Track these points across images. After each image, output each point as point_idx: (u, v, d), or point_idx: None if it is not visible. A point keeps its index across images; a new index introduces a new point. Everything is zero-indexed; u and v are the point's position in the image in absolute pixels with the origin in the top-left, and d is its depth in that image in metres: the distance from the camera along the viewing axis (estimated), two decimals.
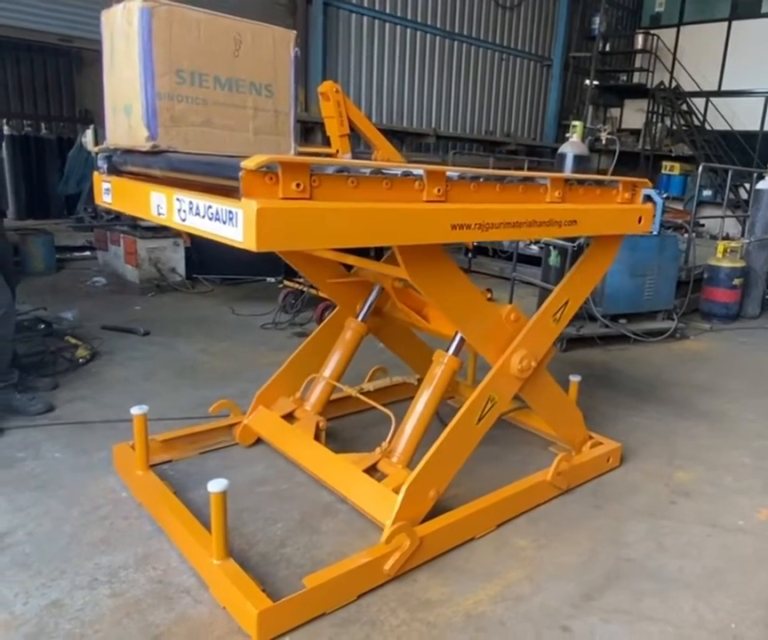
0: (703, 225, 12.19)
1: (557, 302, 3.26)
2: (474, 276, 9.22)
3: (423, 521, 2.80)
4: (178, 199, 2.30)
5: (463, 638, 2.40)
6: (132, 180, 2.75)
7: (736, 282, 7.34)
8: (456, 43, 14.15)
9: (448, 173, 2.44)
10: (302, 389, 3.67)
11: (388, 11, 12.77)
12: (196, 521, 2.78)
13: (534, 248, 8.19)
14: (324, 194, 2.09)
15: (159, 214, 2.42)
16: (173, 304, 7.03)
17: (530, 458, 3.77)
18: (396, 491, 2.76)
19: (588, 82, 15.74)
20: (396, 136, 12.25)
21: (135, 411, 3.12)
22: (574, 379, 3.83)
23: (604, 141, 6.83)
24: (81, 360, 4.90)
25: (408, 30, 13.18)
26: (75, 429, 3.85)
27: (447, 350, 3.17)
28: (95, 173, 2.97)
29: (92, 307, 6.57)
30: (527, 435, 4.05)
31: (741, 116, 15.90)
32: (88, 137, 12.54)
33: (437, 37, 13.73)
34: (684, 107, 16.71)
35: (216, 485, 2.40)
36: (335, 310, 3.83)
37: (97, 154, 2.93)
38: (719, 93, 16.42)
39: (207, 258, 7.62)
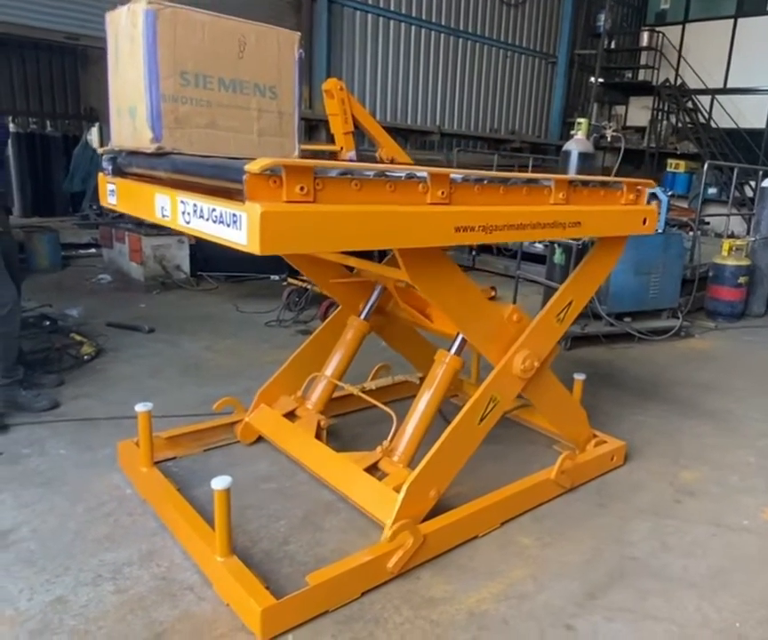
0: (708, 223, 12.15)
1: (561, 302, 3.26)
2: (478, 274, 9.22)
3: (424, 520, 2.80)
4: (182, 201, 2.30)
5: (466, 636, 2.40)
6: (137, 181, 2.76)
7: (741, 280, 7.32)
8: (461, 40, 14.13)
9: (452, 176, 2.44)
10: (304, 388, 3.67)
11: (392, 8, 12.75)
12: (200, 518, 2.79)
13: (539, 246, 8.17)
14: (327, 197, 2.09)
15: (163, 216, 2.43)
16: (178, 301, 7.05)
17: (534, 456, 3.77)
18: (397, 490, 2.76)
19: (593, 79, 15.67)
20: (401, 134, 12.23)
21: (140, 408, 3.13)
22: (579, 377, 3.82)
23: (609, 139, 6.80)
24: (86, 357, 4.91)
25: (413, 28, 13.16)
26: (79, 426, 3.87)
27: (449, 350, 3.16)
28: (100, 175, 2.98)
29: (97, 304, 6.59)
30: (531, 433, 4.05)
31: (747, 114, 15.84)
32: (93, 134, 12.59)
33: (442, 35, 13.71)
34: (690, 104, 16.67)
35: (220, 482, 2.41)
36: (338, 309, 3.83)
37: (102, 155, 2.94)
38: (725, 91, 16.36)
39: (212, 255, 7.63)
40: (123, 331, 5.71)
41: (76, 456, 3.54)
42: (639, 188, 3.23)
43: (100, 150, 3.04)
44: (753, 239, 7.77)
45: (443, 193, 2.38)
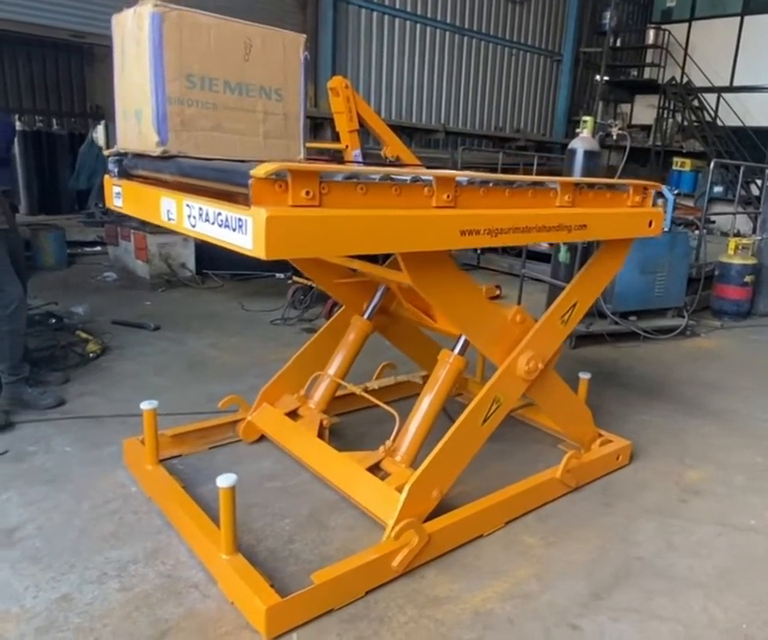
0: (714, 221, 12.10)
1: (566, 304, 3.25)
2: (483, 273, 9.22)
3: (429, 519, 2.80)
4: (188, 205, 2.30)
5: (471, 636, 2.40)
6: (143, 184, 2.77)
7: (747, 279, 7.29)
8: (466, 38, 14.10)
9: (457, 179, 2.43)
10: (307, 387, 3.67)
11: (397, 6, 12.73)
12: (205, 516, 2.80)
13: (544, 245, 8.16)
14: (333, 201, 2.09)
15: (169, 220, 2.43)
16: (183, 299, 7.06)
17: (539, 455, 3.76)
18: (399, 490, 2.76)
19: (598, 77, 15.64)
20: (405, 132, 12.22)
21: (145, 406, 3.14)
22: (584, 376, 3.82)
23: (614, 137, 6.78)
24: (91, 355, 4.93)
25: (418, 26, 13.14)
26: (85, 424, 3.88)
27: (453, 350, 3.16)
28: (106, 177, 2.99)
29: (103, 301, 6.61)
30: (536, 432, 4.04)
31: (753, 112, 15.76)
32: (99, 132, 12.63)
33: (447, 33, 13.69)
34: (696, 102, 16.59)
35: (225, 480, 2.41)
36: (342, 308, 3.83)
37: (108, 157, 2.95)
38: (731, 89, 16.29)
39: (217, 253, 7.58)
40: (128, 328, 5.73)
41: (81, 453, 3.55)
42: (645, 190, 3.21)
43: (105, 153, 3.05)
44: (759, 238, 7.74)
45: (448, 196, 2.38)
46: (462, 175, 2.50)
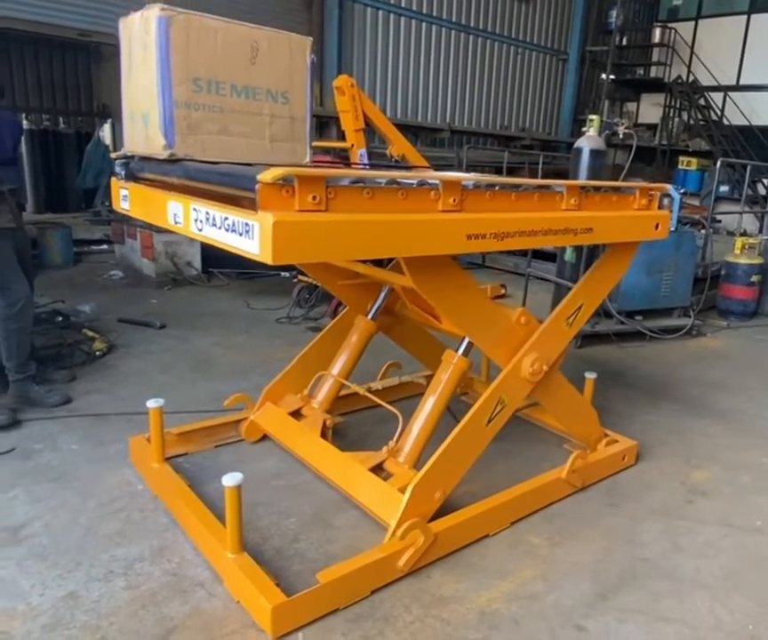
0: (720, 221, 12.05)
1: (571, 306, 3.24)
2: (488, 272, 9.20)
3: (433, 519, 2.80)
4: (195, 209, 2.31)
5: (477, 636, 2.40)
6: (150, 187, 2.77)
7: (754, 279, 7.27)
8: (471, 37, 14.09)
9: (463, 182, 2.43)
10: (310, 386, 3.67)
11: (403, 5, 12.73)
12: (211, 514, 2.81)
13: None
14: (339, 206, 2.09)
15: (176, 223, 2.44)
16: (189, 298, 7.08)
17: (544, 455, 3.76)
18: (402, 490, 2.76)
19: (604, 76, 15.58)
20: (411, 130, 12.22)
21: (151, 404, 3.15)
22: (590, 376, 3.81)
23: (620, 136, 6.76)
24: (98, 353, 4.95)
25: (423, 24, 13.13)
26: (91, 422, 3.89)
27: (457, 350, 3.15)
28: (113, 179, 3.00)
29: (109, 300, 6.63)
30: (542, 431, 4.04)
31: (760, 111, 15.68)
32: (105, 131, 12.66)
33: (453, 31, 13.68)
34: (702, 101, 16.51)
35: (231, 479, 2.41)
36: (346, 308, 3.83)
37: (115, 160, 2.96)
38: (737, 88, 16.21)
39: (222, 252, 7.61)
40: (134, 327, 5.74)
41: (87, 451, 3.56)
42: (652, 192, 3.20)
43: (112, 155, 3.06)
44: (766, 237, 7.72)
45: (454, 200, 2.37)
46: (468, 178, 2.49)
